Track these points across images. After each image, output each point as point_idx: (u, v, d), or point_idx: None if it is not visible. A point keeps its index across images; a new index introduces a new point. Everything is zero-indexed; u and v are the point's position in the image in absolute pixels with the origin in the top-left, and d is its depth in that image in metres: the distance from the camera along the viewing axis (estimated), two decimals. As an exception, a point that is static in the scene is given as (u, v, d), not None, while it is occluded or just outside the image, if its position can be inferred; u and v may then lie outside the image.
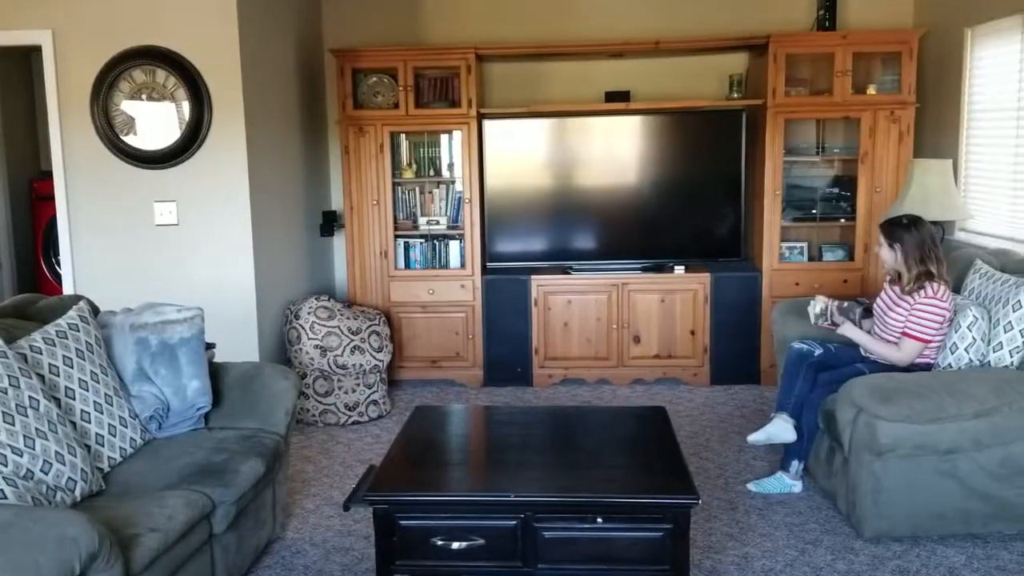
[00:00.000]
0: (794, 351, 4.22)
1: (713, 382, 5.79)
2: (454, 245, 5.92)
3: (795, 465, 4.06)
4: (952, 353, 3.79)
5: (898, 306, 3.95)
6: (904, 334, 3.90)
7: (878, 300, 4.14)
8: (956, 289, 4.12)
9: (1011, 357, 3.71)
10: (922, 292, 3.86)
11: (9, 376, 2.77)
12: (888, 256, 4.02)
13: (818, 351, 4.16)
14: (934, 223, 5.04)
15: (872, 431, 3.44)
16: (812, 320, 4.19)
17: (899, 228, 3.98)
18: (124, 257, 4.97)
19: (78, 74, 4.84)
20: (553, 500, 2.84)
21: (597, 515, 2.78)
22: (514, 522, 2.79)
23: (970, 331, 3.74)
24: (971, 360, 3.75)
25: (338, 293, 6.48)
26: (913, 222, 3.99)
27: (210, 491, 2.99)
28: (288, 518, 3.92)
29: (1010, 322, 3.70)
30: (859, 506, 3.58)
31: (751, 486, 4.13)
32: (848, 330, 4.08)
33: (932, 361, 3.94)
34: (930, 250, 3.90)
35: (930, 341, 3.87)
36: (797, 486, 4.08)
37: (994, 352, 3.74)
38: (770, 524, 3.78)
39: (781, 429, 4.03)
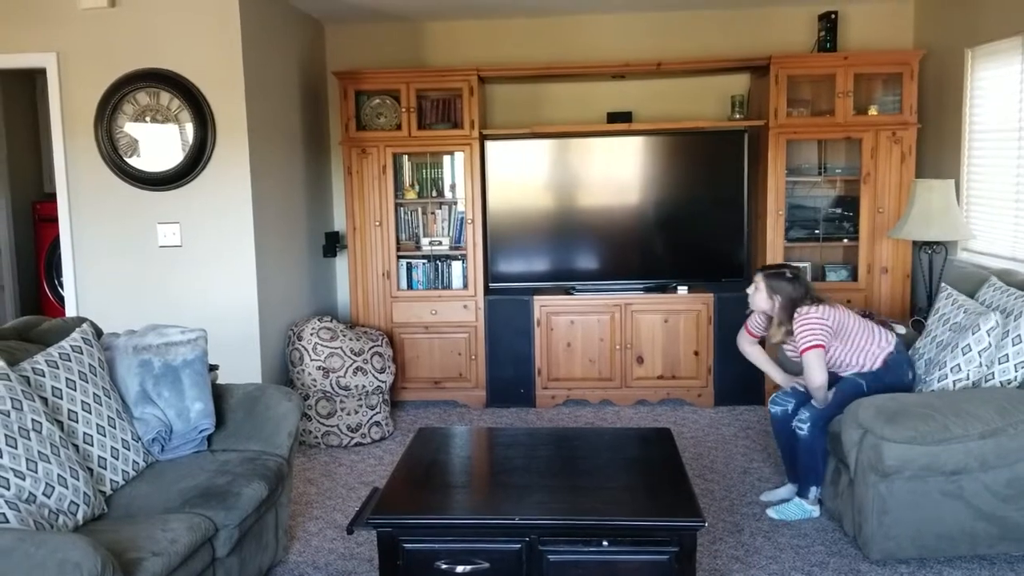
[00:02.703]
0: (774, 416, 4.21)
1: (717, 403, 5.78)
2: (456, 266, 5.93)
3: (813, 492, 4.04)
4: (964, 355, 3.74)
5: (791, 343, 4.04)
6: (802, 352, 3.92)
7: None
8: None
9: (1015, 372, 3.69)
10: (796, 320, 3.96)
11: (12, 399, 2.76)
12: (764, 304, 4.09)
13: (791, 404, 4.14)
14: (936, 243, 5.08)
15: (878, 452, 3.43)
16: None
17: (783, 281, 4.03)
18: (127, 279, 4.98)
19: (82, 96, 4.87)
20: (558, 523, 2.82)
21: (603, 538, 2.76)
22: (519, 545, 2.78)
23: (988, 335, 3.70)
24: (981, 364, 3.71)
25: (341, 314, 6.48)
26: (797, 276, 4.07)
27: (213, 514, 2.98)
28: (291, 541, 3.89)
29: (1019, 335, 3.68)
30: (865, 528, 3.55)
31: (771, 512, 4.08)
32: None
33: (873, 365, 3.96)
34: (804, 301, 3.99)
35: (822, 345, 3.89)
36: (816, 511, 4.05)
37: (999, 364, 3.71)
38: (776, 546, 3.76)
39: (800, 510, 4.05)
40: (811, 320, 3.92)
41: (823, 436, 3.96)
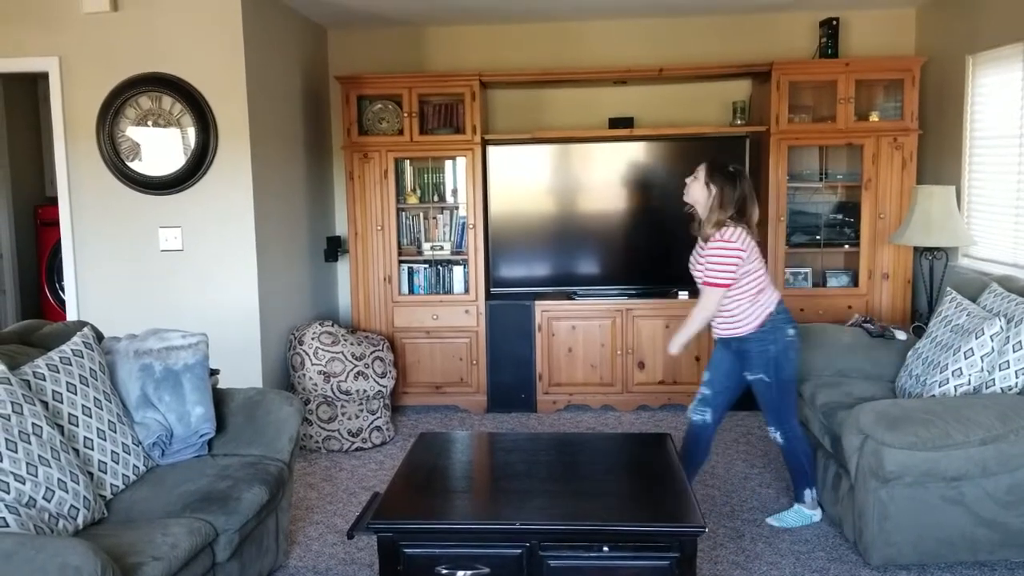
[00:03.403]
0: (695, 424, 4.13)
1: (718, 408, 5.76)
2: (458, 271, 5.93)
3: (808, 495, 4.03)
4: (966, 359, 3.74)
5: (700, 257, 3.92)
6: (704, 283, 3.83)
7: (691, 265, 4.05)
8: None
9: (1016, 378, 3.68)
10: (714, 236, 3.80)
11: (12, 403, 2.76)
12: (700, 194, 3.90)
13: (709, 413, 4.11)
14: (937, 249, 5.08)
15: (879, 458, 3.42)
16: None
17: (723, 175, 3.86)
18: (128, 283, 4.98)
19: (84, 101, 4.88)
20: (559, 528, 2.81)
21: (603, 543, 2.75)
22: (519, 551, 2.77)
23: (991, 340, 3.69)
24: (983, 369, 3.71)
25: (342, 319, 6.48)
26: (740, 173, 3.90)
27: (213, 519, 2.98)
28: (291, 546, 3.89)
29: (1020, 341, 3.68)
30: (866, 533, 3.55)
31: (772, 521, 4.06)
32: (680, 339, 3.98)
33: (769, 313, 3.85)
34: (743, 205, 3.83)
35: (726, 285, 3.78)
36: (817, 514, 4.04)
37: (1000, 371, 3.71)
38: (776, 552, 3.76)
39: (800, 516, 4.04)
40: (730, 249, 3.75)
41: (797, 437, 3.98)
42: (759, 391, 3.97)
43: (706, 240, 3.85)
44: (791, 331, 3.91)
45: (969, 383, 3.72)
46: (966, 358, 3.74)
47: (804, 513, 4.03)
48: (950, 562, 3.56)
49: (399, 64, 6.22)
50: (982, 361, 3.70)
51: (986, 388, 3.73)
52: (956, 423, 3.40)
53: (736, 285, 3.82)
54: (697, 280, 3.94)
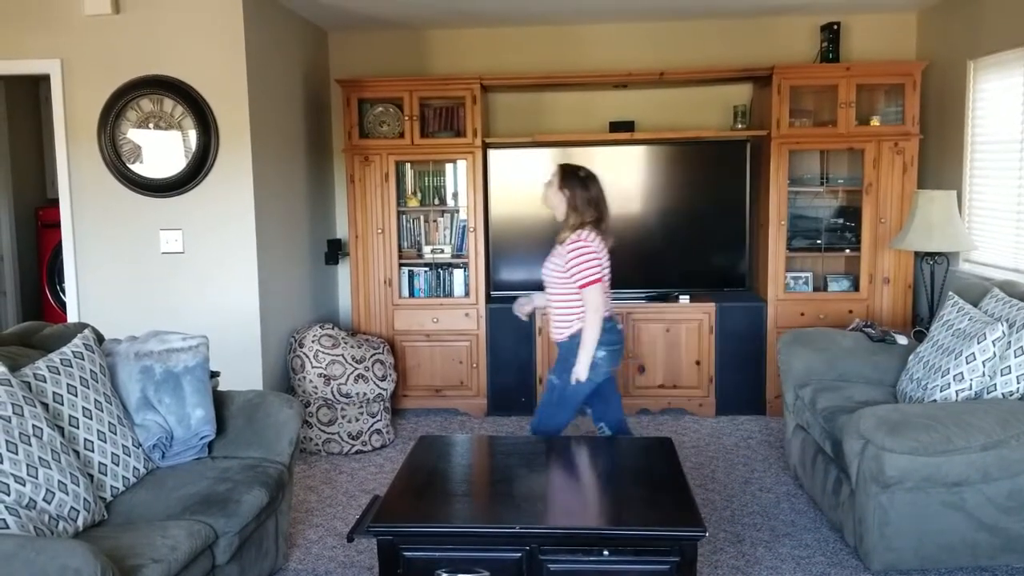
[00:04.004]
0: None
1: (719, 412, 5.77)
2: (458, 274, 5.93)
3: None
4: (968, 363, 3.74)
5: (552, 258, 3.98)
6: (580, 287, 3.84)
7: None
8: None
9: (1018, 383, 3.67)
10: (571, 238, 3.86)
11: (13, 404, 2.76)
12: (555, 199, 3.97)
13: (605, 427, 4.17)
14: (938, 253, 5.07)
15: (879, 463, 3.42)
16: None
17: (576, 180, 3.94)
18: (129, 285, 4.98)
19: (86, 103, 4.88)
20: (559, 532, 2.81)
21: (604, 548, 2.75)
22: (519, 554, 2.77)
23: (993, 346, 3.69)
24: (984, 375, 3.70)
25: (342, 321, 6.48)
26: (592, 177, 3.97)
27: (213, 521, 2.97)
28: (291, 549, 3.89)
29: (1021, 347, 3.67)
30: (866, 538, 3.54)
31: None
32: (583, 360, 3.91)
33: (609, 312, 3.92)
34: (597, 209, 3.92)
35: (600, 279, 3.84)
36: None
37: (1002, 376, 3.71)
38: (777, 557, 3.75)
39: None
40: (588, 245, 3.82)
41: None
42: (547, 388, 4.03)
43: (562, 243, 3.92)
44: (600, 353, 3.90)
45: (970, 388, 3.72)
46: (968, 363, 3.73)
47: None
48: (951, 567, 3.56)
49: (400, 67, 6.23)
50: (984, 366, 3.70)
51: (987, 393, 3.72)
52: (957, 428, 3.40)
53: (570, 287, 3.88)
54: (545, 282, 4.02)
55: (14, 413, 2.74)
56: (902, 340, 4.60)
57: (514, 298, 5.83)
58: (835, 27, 5.78)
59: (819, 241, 5.80)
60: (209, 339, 3.72)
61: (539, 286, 5.84)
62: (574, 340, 3.90)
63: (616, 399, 4.19)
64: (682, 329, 5.73)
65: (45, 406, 2.96)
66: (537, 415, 4.09)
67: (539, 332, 5.76)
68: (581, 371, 3.88)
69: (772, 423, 5.57)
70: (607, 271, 3.97)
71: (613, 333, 3.96)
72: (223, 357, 4.61)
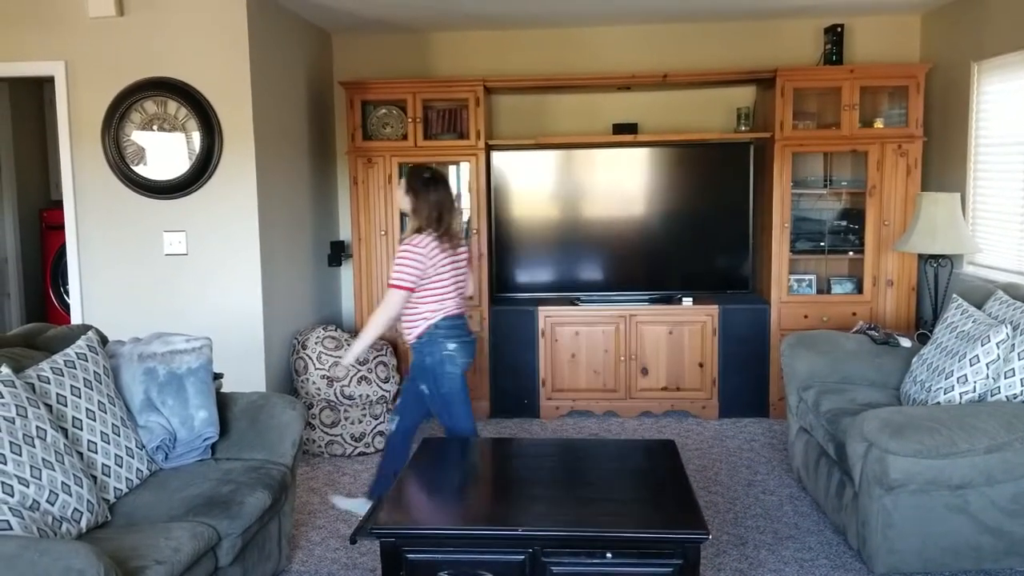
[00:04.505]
0: (399, 430, 4.21)
1: (722, 415, 5.76)
2: (461, 276, 5.92)
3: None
4: (971, 365, 3.73)
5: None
6: (388, 285, 3.88)
7: None
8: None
9: (1022, 386, 3.66)
10: (404, 241, 3.88)
11: (17, 406, 2.76)
12: (402, 202, 3.99)
13: (395, 423, 4.19)
14: (941, 256, 5.07)
15: (883, 466, 3.41)
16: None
17: (420, 183, 3.93)
18: (133, 287, 4.98)
19: (90, 105, 4.89)
20: (562, 535, 2.81)
21: (606, 550, 2.75)
22: (522, 557, 2.77)
23: (997, 348, 3.68)
24: (988, 377, 3.69)
25: (345, 323, 6.48)
26: (435, 180, 3.95)
27: (216, 523, 2.98)
28: (294, 550, 3.89)
29: (1026, 350, 3.67)
30: (870, 541, 3.54)
31: (341, 503, 4.25)
32: (356, 347, 3.99)
33: (430, 324, 3.89)
34: (439, 213, 3.89)
35: (407, 288, 3.82)
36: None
37: (1006, 379, 3.70)
38: (780, 559, 3.75)
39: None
40: (413, 254, 3.81)
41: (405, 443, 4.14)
42: (427, 399, 4.03)
43: (402, 242, 3.95)
44: (451, 345, 3.93)
45: (974, 390, 3.71)
46: (971, 365, 3.73)
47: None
48: (954, 571, 3.55)
49: (403, 69, 6.23)
50: (988, 368, 3.69)
51: (991, 396, 3.72)
52: (961, 431, 3.39)
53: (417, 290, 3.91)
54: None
55: (18, 415, 2.75)
56: (905, 343, 4.59)
57: (517, 300, 5.87)
58: (839, 29, 5.77)
59: (822, 243, 5.79)
60: (212, 341, 3.72)
61: (541, 288, 5.88)
62: (422, 340, 3.93)
63: (463, 407, 4.12)
64: (685, 331, 5.73)
65: (49, 407, 2.97)
66: (444, 425, 4.08)
67: (542, 334, 5.76)
68: (350, 357, 4.00)
69: (775, 425, 5.56)
70: (449, 274, 3.93)
71: (460, 329, 3.99)
72: (226, 359, 4.61)
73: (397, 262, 3.84)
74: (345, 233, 6.41)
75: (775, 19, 6.00)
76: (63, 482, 2.76)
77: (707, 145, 5.84)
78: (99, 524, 2.90)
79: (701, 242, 5.81)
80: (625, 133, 5.87)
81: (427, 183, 3.92)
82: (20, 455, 2.67)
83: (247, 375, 4.90)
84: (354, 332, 5.83)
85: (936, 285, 5.16)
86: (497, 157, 5.78)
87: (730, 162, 5.74)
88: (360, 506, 4.19)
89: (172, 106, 4.83)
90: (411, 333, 3.98)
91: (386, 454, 4.20)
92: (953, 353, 3.87)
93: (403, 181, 4.01)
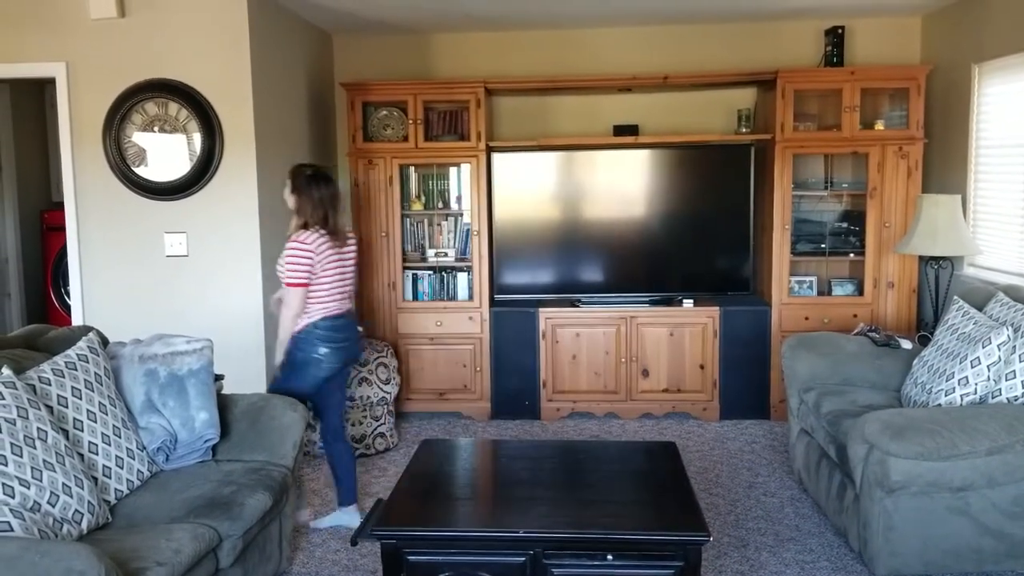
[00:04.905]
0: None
1: (723, 417, 5.76)
2: (462, 277, 5.93)
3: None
4: (973, 367, 3.73)
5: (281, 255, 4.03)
6: (285, 284, 3.91)
7: None
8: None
9: (1023, 388, 3.66)
10: (291, 238, 3.90)
11: (18, 407, 2.77)
12: (288, 200, 4.01)
13: (318, 423, 4.28)
14: (942, 258, 5.07)
15: (884, 468, 3.41)
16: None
17: (303, 181, 3.96)
18: (133, 288, 4.99)
19: (91, 106, 4.89)
20: (562, 536, 2.81)
21: (607, 552, 2.75)
22: (523, 559, 2.77)
23: (999, 350, 3.68)
24: (989, 379, 3.69)
25: (346, 325, 6.47)
26: (318, 177, 3.99)
27: (217, 524, 2.98)
28: (295, 552, 3.89)
29: (1027, 352, 3.67)
30: (871, 543, 3.54)
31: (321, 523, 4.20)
32: (278, 351, 4.04)
33: (309, 323, 3.93)
34: (323, 210, 3.91)
35: (303, 284, 3.86)
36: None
37: (1007, 380, 3.69)
38: (781, 562, 3.74)
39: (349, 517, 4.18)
40: (301, 250, 3.84)
41: (331, 445, 4.18)
42: (279, 367, 4.08)
43: (288, 238, 3.98)
44: (323, 350, 3.97)
45: (975, 392, 3.71)
46: (972, 367, 3.72)
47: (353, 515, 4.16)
48: (955, 573, 3.55)
49: (404, 71, 6.23)
50: (988, 370, 3.69)
51: (992, 398, 3.72)
52: (962, 433, 3.39)
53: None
54: (280, 279, 4.05)
55: (19, 416, 2.75)
56: (906, 344, 4.59)
57: (518, 302, 5.87)
58: (839, 31, 5.78)
59: (823, 245, 5.79)
60: (213, 342, 3.72)
61: (542, 289, 5.88)
62: (299, 336, 3.96)
63: (337, 400, 4.22)
64: (686, 333, 5.72)
65: (50, 409, 2.97)
66: (277, 385, 4.08)
67: (542, 336, 5.76)
68: (277, 360, 4.03)
69: (776, 427, 5.56)
70: (333, 273, 3.97)
71: (340, 331, 4.01)
72: (227, 360, 4.61)
73: (288, 260, 3.87)
74: (346, 234, 6.41)
75: (775, 21, 6.00)
76: (64, 483, 2.76)
77: (708, 147, 5.84)
78: (100, 525, 2.90)
79: (702, 244, 5.81)
80: (626, 135, 5.87)
81: (310, 180, 3.96)
82: (21, 456, 2.67)
83: (248, 376, 4.90)
84: (355, 333, 5.83)
85: (937, 287, 5.16)
86: (498, 158, 5.78)
87: (731, 164, 5.74)
88: (339, 518, 4.17)
89: (173, 107, 4.84)
90: (296, 327, 4.02)
91: (330, 461, 4.22)
92: (954, 355, 3.87)
93: (288, 180, 4.04)
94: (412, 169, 5.94)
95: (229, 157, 4.88)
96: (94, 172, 4.93)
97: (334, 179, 4.10)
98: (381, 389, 5.21)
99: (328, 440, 4.18)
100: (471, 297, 5.87)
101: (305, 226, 3.90)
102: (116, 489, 3.12)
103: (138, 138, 4.88)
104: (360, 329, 4.26)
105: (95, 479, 3.03)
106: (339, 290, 4.01)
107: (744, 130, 5.91)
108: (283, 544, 3.61)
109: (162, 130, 4.87)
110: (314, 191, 3.92)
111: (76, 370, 3.17)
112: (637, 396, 5.80)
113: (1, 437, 2.65)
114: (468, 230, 5.88)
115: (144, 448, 3.33)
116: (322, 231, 3.89)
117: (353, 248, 4.14)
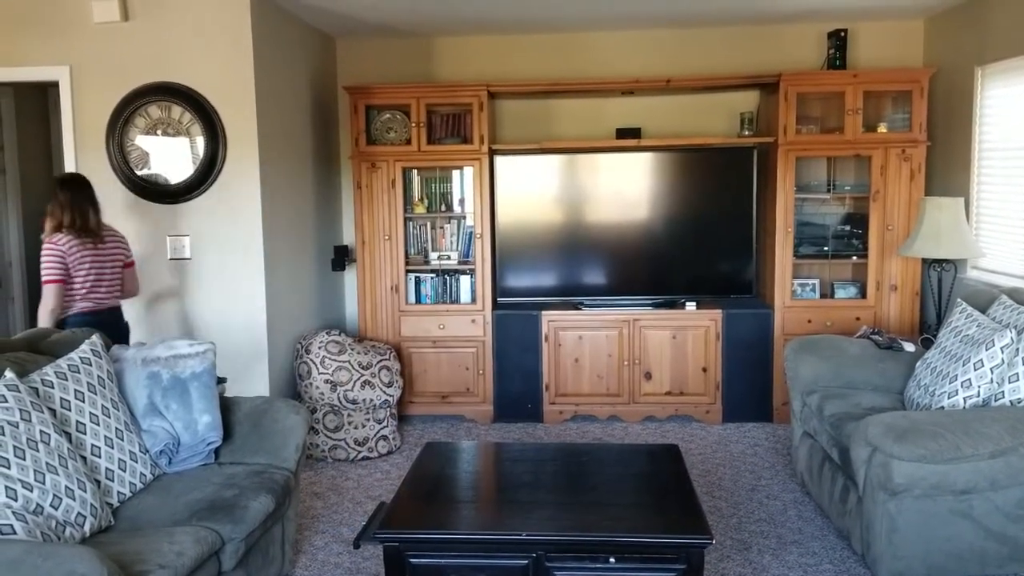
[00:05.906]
0: None
1: (725, 420, 5.76)
2: (465, 280, 5.93)
3: None
4: (976, 370, 3.72)
5: None
6: (43, 283, 4.16)
7: None
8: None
9: (1025, 391, 3.66)
10: (44, 239, 4.18)
11: (21, 410, 2.77)
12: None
13: None
14: (945, 260, 5.06)
15: (887, 471, 3.41)
16: None
17: (57, 184, 4.28)
18: (136, 291, 4.99)
19: (94, 110, 4.90)
20: (565, 539, 2.81)
21: (610, 555, 2.75)
22: (525, 561, 2.77)
23: (1002, 352, 3.67)
24: (992, 381, 3.68)
25: (349, 328, 6.48)
26: (66, 181, 4.29)
27: (219, 527, 2.98)
28: (297, 555, 3.89)
29: (1031, 354, 3.66)
30: (874, 546, 3.53)
31: None
32: None
33: (84, 310, 4.22)
34: (71, 212, 4.19)
35: (56, 281, 4.14)
36: None
37: (1010, 383, 3.69)
38: (784, 564, 3.74)
39: None
40: (52, 251, 4.13)
41: None
42: None
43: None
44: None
45: (978, 395, 3.70)
46: (975, 369, 3.72)
47: None
48: (959, 576, 3.55)
49: (407, 74, 6.24)
50: (992, 373, 3.68)
51: (995, 400, 3.71)
52: (965, 436, 3.38)
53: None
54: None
55: (22, 419, 2.75)
56: (909, 347, 4.58)
57: (520, 305, 5.87)
58: (842, 34, 5.78)
59: (826, 248, 5.79)
60: (216, 345, 3.73)
61: (545, 292, 5.88)
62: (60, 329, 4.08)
63: None
64: (689, 336, 5.72)
65: (53, 412, 2.97)
66: None
67: (545, 339, 5.76)
68: None
69: (779, 430, 5.56)
70: (88, 271, 4.23)
71: (98, 327, 4.03)
72: (230, 363, 4.62)
73: (42, 260, 4.14)
74: (349, 238, 6.42)
75: (778, 24, 6.00)
76: (67, 486, 2.76)
77: (710, 149, 5.84)
78: (103, 528, 2.90)
79: (704, 247, 5.81)
80: (628, 138, 5.87)
81: (61, 185, 4.25)
82: (24, 459, 2.67)
83: (250, 379, 4.91)
84: (358, 336, 5.84)
85: (940, 290, 5.16)
86: (500, 161, 5.79)
87: (733, 166, 5.74)
88: None
89: (176, 111, 4.85)
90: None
91: None
92: (957, 358, 3.86)
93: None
94: (415, 172, 5.94)
95: (232, 160, 4.89)
96: (97, 175, 4.92)
97: (88, 183, 4.35)
98: (384, 392, 5.22)
99: None
100: (474, 300, 5.88)
101: (58, 228, 4.18)
102: (119, 492, 3.12)
103: (141, 141, 4.89)
104: (127, 323, 4.53)
105: (98, 482, 3.03)
106: (97, 287, 4.26)
107: (747, 133, 5.91)
108: (286, 547, 3.61)
109: (165, 133, 4.88)
110: (61, 194, 4.21)
111: (79, 373, 3.17)
112: (640, 399, 5.79)
113: (4, 440, 2.66)
114: (471, 233, 5.88)
115: (147, 451, 3.34)
116: (73, 231, 4.17)
117: (115, 246, 4.38)
